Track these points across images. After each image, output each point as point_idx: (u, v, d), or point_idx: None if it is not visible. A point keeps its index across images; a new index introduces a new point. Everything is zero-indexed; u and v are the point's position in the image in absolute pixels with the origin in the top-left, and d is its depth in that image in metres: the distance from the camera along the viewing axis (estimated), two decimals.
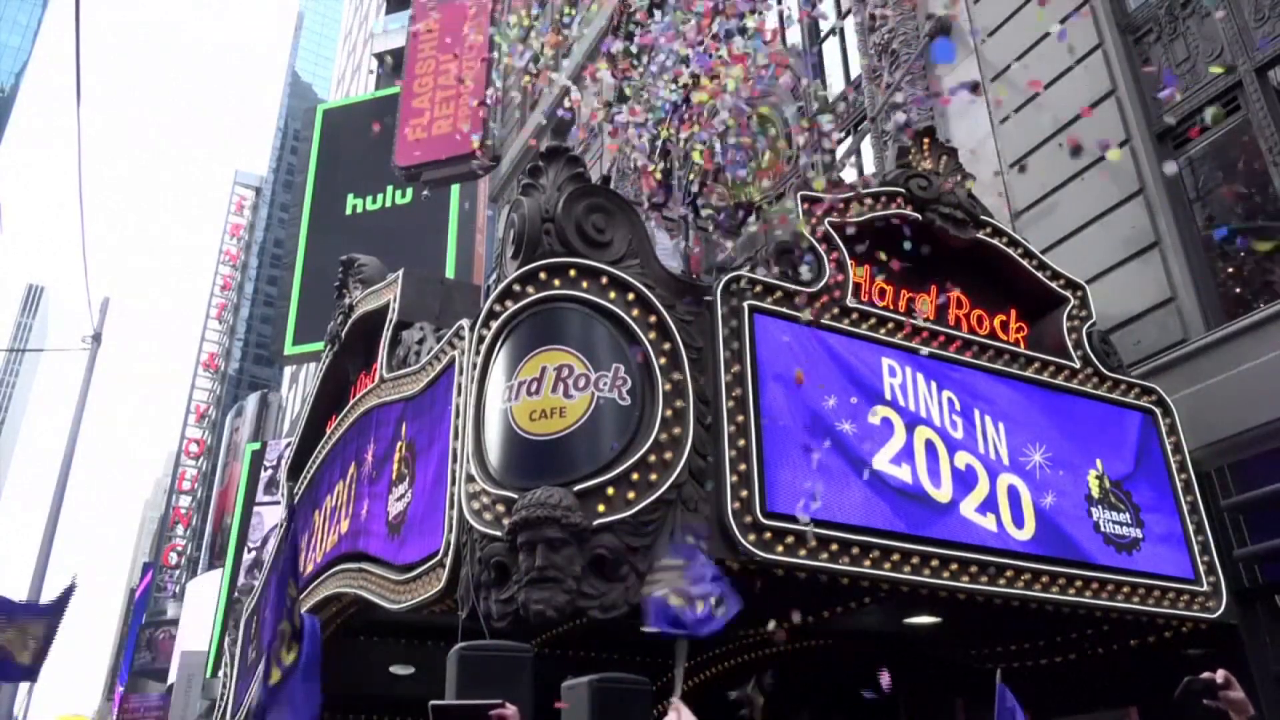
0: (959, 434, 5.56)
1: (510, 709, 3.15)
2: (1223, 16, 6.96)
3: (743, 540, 4.62)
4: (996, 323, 6.45)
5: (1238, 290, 6.92)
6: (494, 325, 5.08)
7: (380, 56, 36.21)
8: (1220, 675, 2.86)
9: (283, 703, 4.80)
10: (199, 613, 35.99)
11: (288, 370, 45.80)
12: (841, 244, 5.80)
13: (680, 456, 4.67)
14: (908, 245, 5.74)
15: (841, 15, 11.93)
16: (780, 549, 4.70)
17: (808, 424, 5.06)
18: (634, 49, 8.05)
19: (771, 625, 4.87)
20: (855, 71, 11.24)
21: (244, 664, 9.57)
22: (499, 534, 4.52)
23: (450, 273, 24.39)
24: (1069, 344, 6.42)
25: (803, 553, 4.75)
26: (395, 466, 6.17)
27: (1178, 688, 2.91)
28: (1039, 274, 6.61)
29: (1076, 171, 7.68)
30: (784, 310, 5.32)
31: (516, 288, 5.10)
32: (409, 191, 24.57)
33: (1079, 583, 5.51)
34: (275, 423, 45.68)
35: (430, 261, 23.41)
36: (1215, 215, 7.18)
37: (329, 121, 28.93)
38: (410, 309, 6.98)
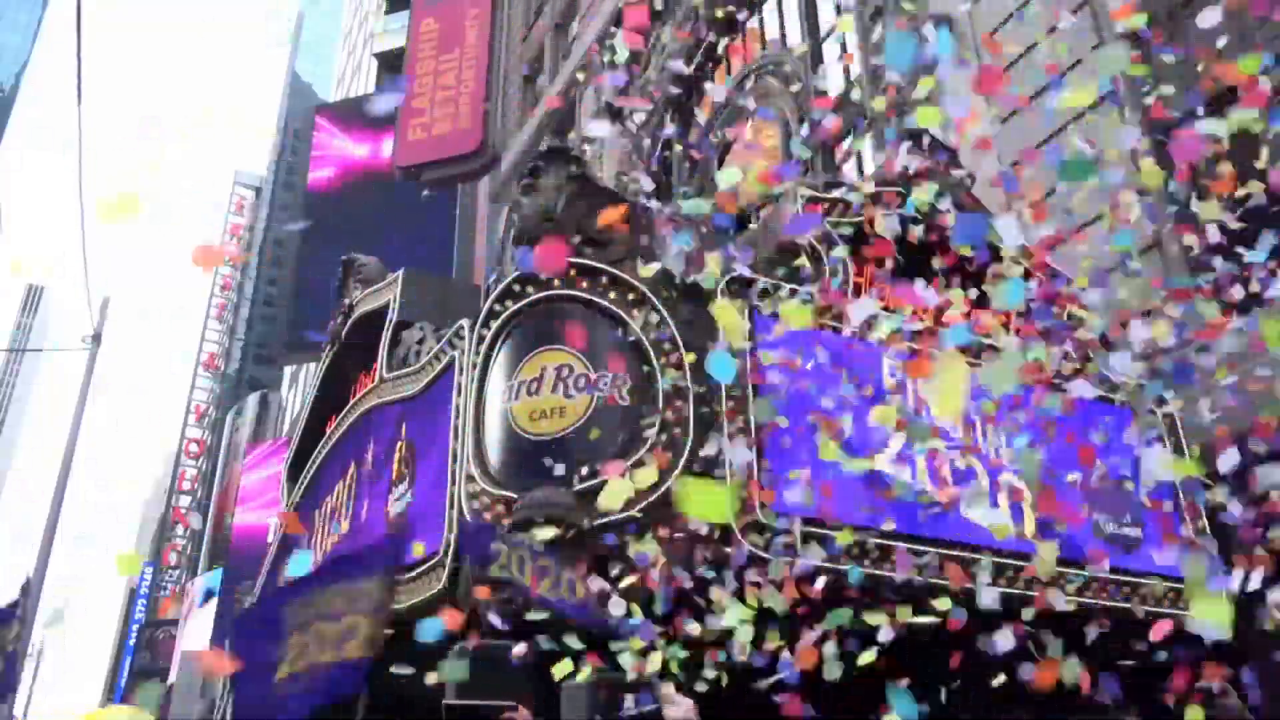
0: (959, 434, 5.56)
1: (524, 713, 3.16)
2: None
3: (744, 541, 4.61)
4: (997, 322, 6.44)
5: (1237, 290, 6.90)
6: (494, 325, 5.09)
7: (380, 56, 36.23)
8: (1217, 685, 2.88)
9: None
10: (199, 612, 36.00)
11: (288, 370, 45.79)
12: (841, 244, 5.80)
13: (680, 457, 4.67)
14: (907, 245, 5.74)
15: (841, 14, 11.93)
16: (781, 549, 4.69)
17: (808, 424, 5.06)
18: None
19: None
20: (855, 71, 11.24)
21: None
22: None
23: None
24: (1069, 343, 6.41)
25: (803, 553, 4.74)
26: (395, 467, 6.17)
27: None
28: (1040, 274, 6.59)
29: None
30: (784, 310, 5.32)
31: (516, 288, 5.10)
32: None
33: (1079, 582, 5.50)
34: (275, 423, 45.63)
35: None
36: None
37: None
38: (410, 309, 6.98)
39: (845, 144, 11.09)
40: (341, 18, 62.54)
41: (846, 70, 11.50)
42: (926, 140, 6.58)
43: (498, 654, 4.28)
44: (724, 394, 4.93)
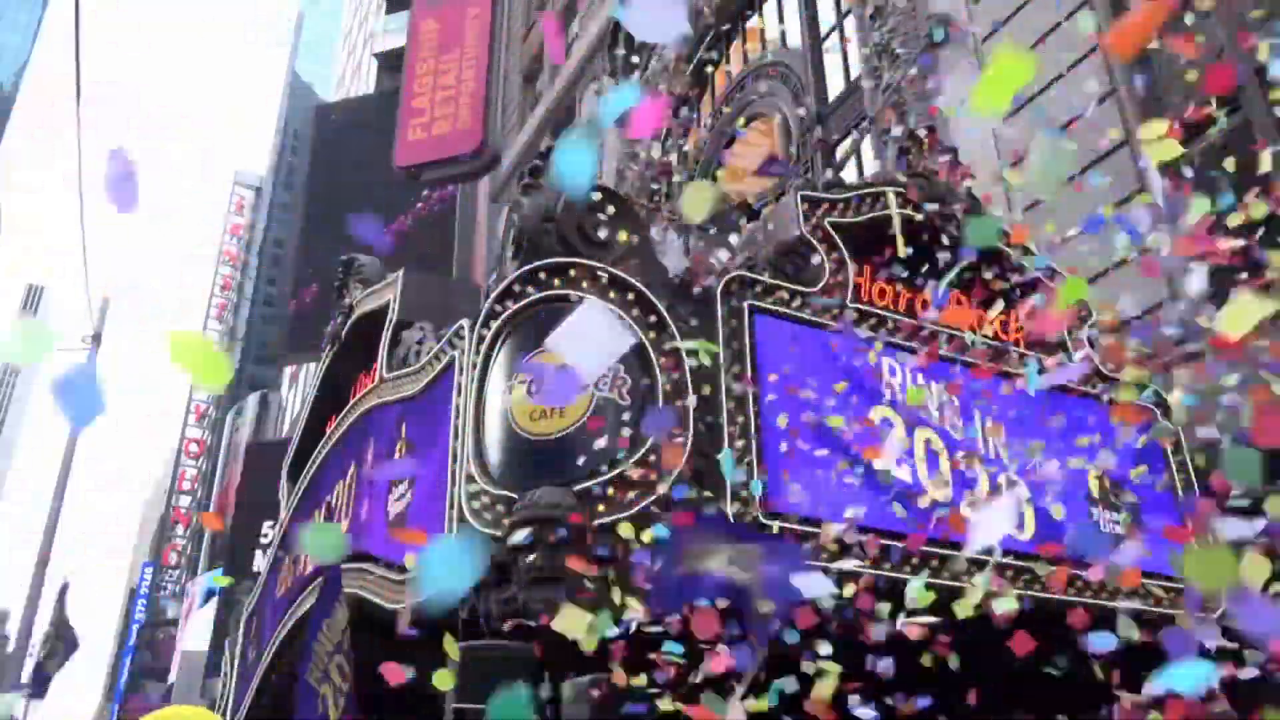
0: (959, 434, 5.56)
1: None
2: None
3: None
4: (997, 322, 6.45)
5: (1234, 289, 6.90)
6: (494, 325, 5.09)
7: (380, 56, 36.24)
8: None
9: None
10: (199, 612, 36.01)
11: (288, 370, 45.83)
12: (841, 244, 5.81)
13: (681, 457, 4.67)
14: (908, 245, 5.74)
15: (842, 15, 11.94)
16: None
17: (808, 424, 5.06)
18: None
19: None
20: (855, 71, 11.24)
21: (244, 664, 9.55)
22: (499, 534, 4.52)
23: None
24: (1069, 344, 6.42)
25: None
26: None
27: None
28: (1040, 274, 6.60)
29: (1077, 171, 7.66)
30: (784, 310, 5.33)
31: (516, 288, 5.10)
32: None
33: (1079, 583, 5.50)
34: (275, 423, 45.66)
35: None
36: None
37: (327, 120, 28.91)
38: (410, 309, 6.98)
39: (845, 144, 11.09)
40: (341, 18, 62.59)
41: (847, 71, 11.51)
42: (925, 139, 6.58)
43: (499, 655, 4.28)
44: (724, 393, 4.93)
